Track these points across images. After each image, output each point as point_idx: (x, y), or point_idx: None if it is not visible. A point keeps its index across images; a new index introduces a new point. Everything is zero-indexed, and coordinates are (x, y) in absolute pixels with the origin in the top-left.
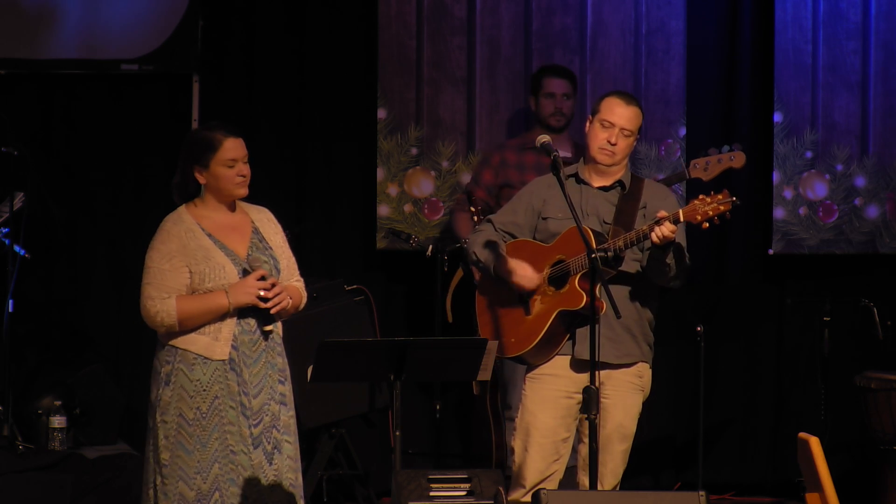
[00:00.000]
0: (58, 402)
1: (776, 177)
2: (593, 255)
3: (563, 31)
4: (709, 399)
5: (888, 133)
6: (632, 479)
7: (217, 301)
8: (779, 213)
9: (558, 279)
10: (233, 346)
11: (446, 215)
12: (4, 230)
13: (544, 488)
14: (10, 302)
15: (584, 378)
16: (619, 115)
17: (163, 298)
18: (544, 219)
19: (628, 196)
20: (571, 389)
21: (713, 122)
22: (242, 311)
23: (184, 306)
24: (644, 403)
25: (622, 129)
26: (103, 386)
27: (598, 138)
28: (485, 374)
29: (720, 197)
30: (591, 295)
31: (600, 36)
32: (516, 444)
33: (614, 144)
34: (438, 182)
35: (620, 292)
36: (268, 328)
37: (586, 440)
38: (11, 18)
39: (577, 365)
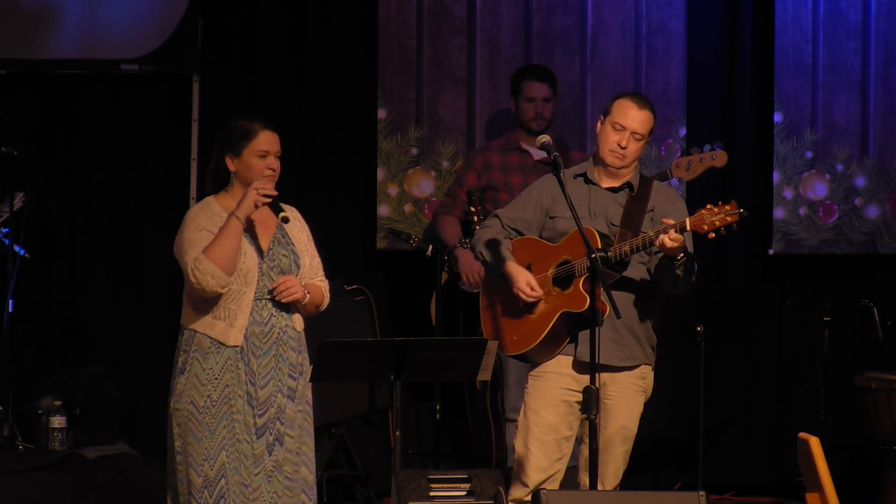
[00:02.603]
0: (58, 402)
1: (776, 177)
2: (593, 256)
3: (563, 31)
4: (709, 399)
5: (888, 133)
6: (632, 479)
7: (228, 224)
8: (779, 213)
9: (564, 280)
10: (244, 336)
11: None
12: (4, 230)
13: (545, 488)
14: (10, 302)
15: (586, 379)
16: (631, 118)
17: (193, 256)
18: (552, 217)
19: (636, 198)
20: (574, 388)
21: (713, 122)
22: (257, 301)
23: (207, 248)
24: (644, 404)
25: (633, 132)
26: (103, 386)
27: (609, 141)
28: (485, 375)
29: (728, 208)
30: (592, 296)
31: (600, 36)
32: (517, 441)
33: (624, 147)
34: (438, 182)
35: (626, 295)
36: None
37: (587, 440)
38: (11, 18)
39: (578, 366)
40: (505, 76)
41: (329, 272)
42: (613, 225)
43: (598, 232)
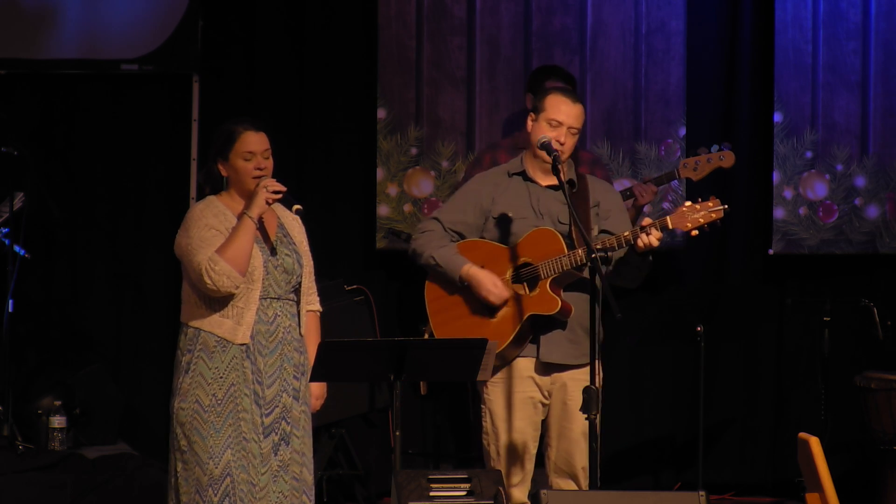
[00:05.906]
0: (58, 402)
1: (776, 177)
2: (593, 256)
3: (563, 31)
4: (709, 399)
5: (888, 133)
6: (632, 479)
7: (242, 224)
8: (779, 213)
9: (527, 282)
10: (250, 335)
11: None
12: (4, 230)
13: (544, 489)
14: (10, 302)
15: (546, 380)
16: (566, 113)
17: (206, 255)
18: (495, 218)
19: (578, 195)
20: (536, 390)
21: (713, 122)
22: (262, 300)
23: (222, 248)
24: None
25: (570, 127)
26: (103, 386)
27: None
28: (485, 375)
29: (710, 204)
30: (593, 297)
31: (600, 36)
32: (491, 448)
33: (563, 143)
34: (438, 182)
35: (582, 295)
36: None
37: (553, 444)
38: (11, 18)
39: (541, 367)
40: (505, 76)
41: (329, 272)
42: (562, 223)
43: (561, 234)
